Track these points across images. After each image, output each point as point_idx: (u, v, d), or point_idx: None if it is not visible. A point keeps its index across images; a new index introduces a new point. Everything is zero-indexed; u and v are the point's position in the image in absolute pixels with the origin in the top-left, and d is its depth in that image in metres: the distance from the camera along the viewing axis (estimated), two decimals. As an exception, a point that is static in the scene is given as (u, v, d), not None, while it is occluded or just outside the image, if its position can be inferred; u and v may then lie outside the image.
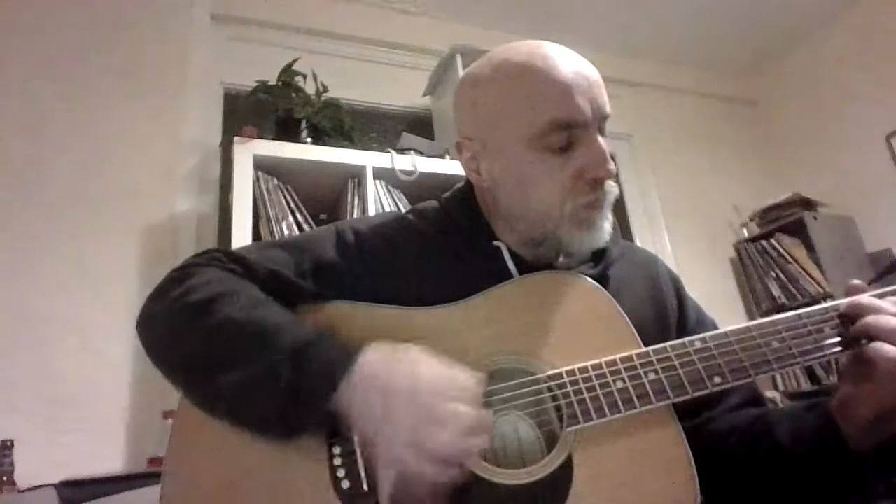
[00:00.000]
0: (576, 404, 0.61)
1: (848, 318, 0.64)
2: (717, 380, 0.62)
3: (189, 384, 0.64)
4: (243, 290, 0.66)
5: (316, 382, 0.57)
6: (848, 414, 0.62)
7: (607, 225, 0.73)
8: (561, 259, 0.75)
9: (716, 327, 0.78)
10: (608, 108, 0.71)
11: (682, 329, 0.79)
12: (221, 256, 0.72)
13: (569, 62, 0.70)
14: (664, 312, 0.80)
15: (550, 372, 0.64)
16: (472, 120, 0.76)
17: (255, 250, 0.76)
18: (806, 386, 2.61)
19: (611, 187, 0.72)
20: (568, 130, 0.68)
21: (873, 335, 0.60)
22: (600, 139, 0.70)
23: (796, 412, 0.70)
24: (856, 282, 0.67)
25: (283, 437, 0.58)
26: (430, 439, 0.53)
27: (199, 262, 0.72)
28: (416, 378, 0.57)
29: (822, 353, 0.64)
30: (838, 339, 0.64)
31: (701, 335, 0.65)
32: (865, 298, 0.64)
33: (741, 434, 0.72)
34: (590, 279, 0.71)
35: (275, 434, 0.58)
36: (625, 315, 0.68)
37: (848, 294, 0.66)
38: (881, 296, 0.65)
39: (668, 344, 0.65)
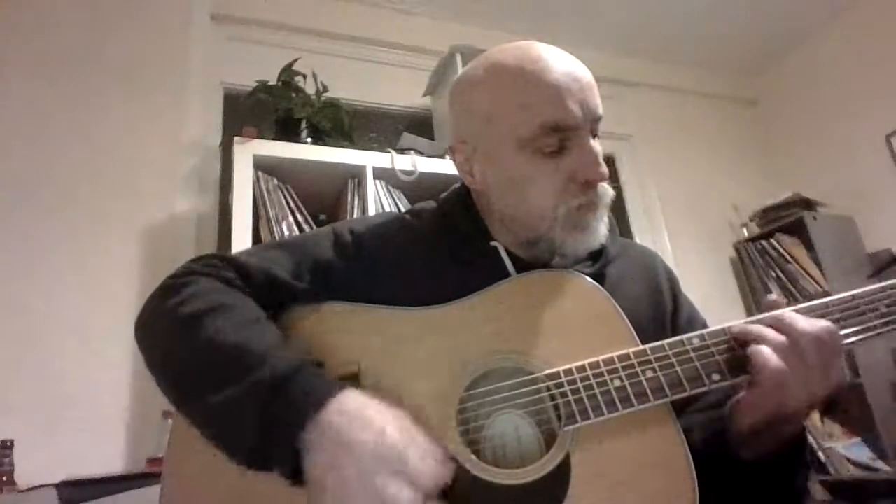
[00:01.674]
0: (573, 403, 0.61)
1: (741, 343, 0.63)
2: (716, 377, 0.62)
3: (172, 397, 0.63)
4: (236, 304, 0.65)
5: (289, 416, 0.54)
6: (734, 420, 0.64)
7: (602, 226, 0.73)
8: (556, 259, 0.75)
9: (706, 327, 0.77)
10: (600, 110, 0.71)
11: (674, 326, 0.79)
12: (218, 262, 0.71)
13: (560, 64, 0.70)
14: (661, 309, 0.80)
15: (548, 371, 0.64)
16: (465, 123, 0.76)
17: (254, 253, 0.75)
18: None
19: (604, 189, 0.72)
20: (559, 133, 0.68)
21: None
22: (592, 141, 0.70)
23: (716, 414, 0.69)
24: (772, 297, 0.66)
25: (250, 466, 0.55)
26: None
27: (195, 268, 0.70)
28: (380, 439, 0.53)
29: None
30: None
31: (699, 332, 0.65)
32: (766, 328, 0.62)
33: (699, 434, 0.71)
34: (587, 277, 0.71)
35: (243, 462, 0.55)
36: (622, 313, 0.68)
37: (765, 310, 0.65)
38: (806, 311, 0.64)
39: (665, 342, 0.65)
